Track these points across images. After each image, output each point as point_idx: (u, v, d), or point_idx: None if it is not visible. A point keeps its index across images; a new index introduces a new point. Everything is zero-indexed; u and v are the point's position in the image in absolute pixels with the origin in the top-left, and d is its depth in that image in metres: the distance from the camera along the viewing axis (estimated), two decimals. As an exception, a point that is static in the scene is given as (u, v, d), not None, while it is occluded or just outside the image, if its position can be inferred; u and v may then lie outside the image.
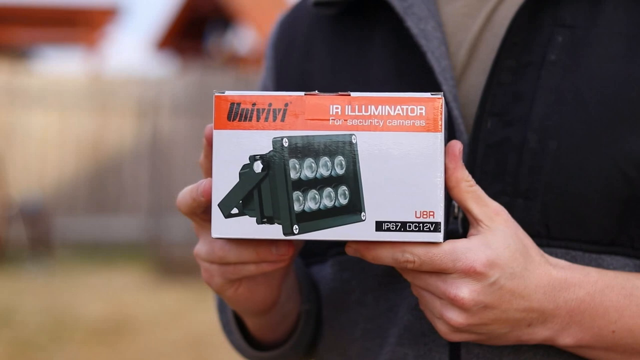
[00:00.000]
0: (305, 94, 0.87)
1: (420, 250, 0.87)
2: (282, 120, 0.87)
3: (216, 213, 0.86)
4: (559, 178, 0.96)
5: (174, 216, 12.76)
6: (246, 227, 0.86)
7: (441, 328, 0.91)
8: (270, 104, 0.87)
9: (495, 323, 0.90)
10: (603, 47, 0.98)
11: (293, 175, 0.87)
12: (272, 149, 0.86)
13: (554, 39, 0.99)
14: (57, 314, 7.61)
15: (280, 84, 1.18)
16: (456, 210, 0.99)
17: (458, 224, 0.99)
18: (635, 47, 0.97)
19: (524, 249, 0.91)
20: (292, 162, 0.87)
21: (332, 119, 0.87)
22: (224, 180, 0.86)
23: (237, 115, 0.87)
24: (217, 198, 0.86)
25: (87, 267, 10.37)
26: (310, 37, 1.16)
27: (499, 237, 0.89)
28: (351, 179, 0.87)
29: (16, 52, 18.62)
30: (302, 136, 0.87)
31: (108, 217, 12.70)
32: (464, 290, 0.88)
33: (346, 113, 0.87)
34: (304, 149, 0.87)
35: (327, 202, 0.87)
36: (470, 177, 0.90)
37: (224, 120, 0.87)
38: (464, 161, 0.99)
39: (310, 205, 0.87)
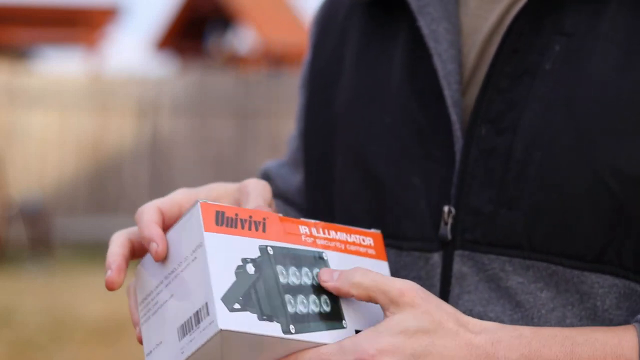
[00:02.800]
0: (279, 216, 0.94)
1: (311, 354, 0.88)
2: (264, 231, 0.92)
3: (220, 306, 0.87)
4: (542, 189, 0.94)
5: (174, 216, 12.78)
6: (250, 321, 0.88)
7: None
8: (250, 217, 0.92)
9: None
10: (598, 57, 0.96)
11: (282, 279, 0.91)
12: (259, 255, 0.91)
13: (551, 47, 0.97)
14: (57, 314, 7.62)
15: (316, 63, 1.17)
16: (446, 216, 0.98)
17: (447, 230, 0.99)
18: (629, 58, 0.95)
19: (432, 326, 0.88)
20: (279, 268, 0.91)
21: (304, 237, 0.94)
22: (222, 277, 0.88)
23: (224, 222, 0.91)
24: (218, 293, 0.87)
25: (87, 267, 10.37)
26: (347, 20, 1.14)
27: (393, 323, 0.88)
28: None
29: (16, 52, 18.63)
30: (283, 247, 0.92)
31: (108, 217, 12.70)
32: None
33: (314, 234, 0.95)
34: (287, 258, 0.92)
35: (314, 308, 0.91)
36: (359, 278, 0.90)
37: (213, 225, 0.90)
38: (457, 167, 0.99)
39: (301, 308, 0.90)
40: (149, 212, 0.94)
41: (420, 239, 1.00)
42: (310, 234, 0.94)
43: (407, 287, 0.89)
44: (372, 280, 0.89)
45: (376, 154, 1.04)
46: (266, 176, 1.25)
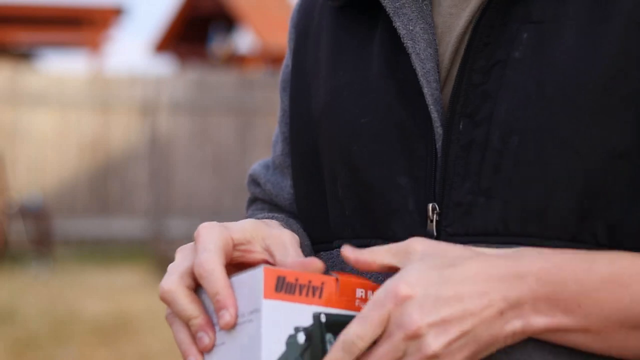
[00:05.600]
0: (336, 280, 0.95)
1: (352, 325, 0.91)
2: (320, 296, 0.94)
3: None
4: (519, 175, 0.96)
5: (173, 215, 12.77)
6: None
7: None
8: (309, 282, 0.94)
9: (466, 325, 0.90)
10: (563, 42, 0.98)
11: (329, 348, 0.92)
12: (312, 322, 0.93)
13: (519, 35, 0.99)
14: (58, 313, 7.64)
15: (297, 68, 1.18)
16: (431, 213, 1.00)
17: (433, 227, 1.01)
18: (591, 39, 0.97)
19: (446, 259, 0.92)
20: (329, 336, 0.93)
21: (357, 301, 0.96)
22: (273, 347, 0.91)
23: (283, 287, 0.93)
24: None
25: (88, 267, 10.39)
26: (320, 23, 1.16)
27: (409, 269, 0.92)
28: None
29: (19, 53, 18.62)
30: (335, 314, 0.94)
31: (109, 216, 12.72)
32: (414, 318, 0.89)
33: (368, 297, 0.96)
34: (338, 326, 0.93)
35: None
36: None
37: (273, 291, 0.92)
38: (439, 164, 1.01)
39: None
40: (219, 272, 0.95)
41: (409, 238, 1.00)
42: (365, 297, 0.96)
43: (410, 241, 0.94)
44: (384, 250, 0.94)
45: (361, 154, 1.06)
46: (255, 182, 1.26)
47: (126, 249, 11.88)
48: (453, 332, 0.90)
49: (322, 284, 0.94)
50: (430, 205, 1.00)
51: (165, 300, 0.97)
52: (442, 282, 0.91)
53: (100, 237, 12.49)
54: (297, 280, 0.93)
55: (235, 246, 0.98)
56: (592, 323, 0.93)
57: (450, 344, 0.90)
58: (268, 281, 0.92)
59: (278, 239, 0.99)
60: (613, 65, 0.96)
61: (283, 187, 1.22)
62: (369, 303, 0.91)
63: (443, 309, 0.90)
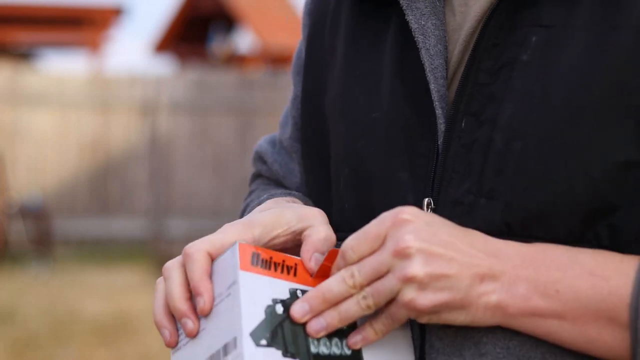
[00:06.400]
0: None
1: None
2: (295, 275, 0.97)
3: (248, 341, 0.92)
4: (522, 179, 0.97)
5: (173, 215, 12.77)
6: (274, 357, 0.93)
7: (406, 298, 0.92)
8: (283, 261, 0.98)
9: (451, 270, 0.92)
10: (572, 47, 0.98)
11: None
12: (289, 297, 0.96)
13: (528, 39, 1.00)
14: (58, 313, 7.64)
15: (311, 55, 1.19)
16: (426, 208, 1.01)
17: None
18: (600, 45, 0.97)
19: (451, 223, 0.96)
20: None
21: None
22: (252, 313, 0.93)
23: (259, 263, 0.96)
24: (247, 328, 0.93)
25: (88, 267, 10.39)
26: (337, 10, 1.16)
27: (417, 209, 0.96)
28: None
29: (19, 53, 18.62)
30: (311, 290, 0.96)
31: (109, 216, 12.73)
32: (407, 237, 0.92)
33: None
34: None
35: (336, 350, 0.96)
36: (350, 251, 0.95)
37: (249, 264, 0.96)
38: (439, 160, 1.02)
39: (323, 349, 0.95)
40: (200, 261, 0.98)
41: None
42: None
43: (385, 213, 0.96)
44: (361, 242, 0.95)
45: (364, 149, 1.07)
46: (262, 159, 1.28)
47: (126, 249, 11.89)
48: (438, 267, 0.92)
49: (296, 264, 0.98)
50: (425, 201, 1.01)
51: (163, 275, 1.01)
52: (443, 227, 0.94)
53: (100, 237, 12.50)
54: (271, 258, 0.97)
55: (257, 242, 1.01)
56: (568, 310, 0.94)
57: (431, 277, 0.92)
58: (244, 256, 0.95)
59: (310, 216, 1.03)
60: (619, 74, 0.96)
61: (291, 170, 1.23)
62: (372, 221, 0.95)
63: (436, 246, 0.93)
